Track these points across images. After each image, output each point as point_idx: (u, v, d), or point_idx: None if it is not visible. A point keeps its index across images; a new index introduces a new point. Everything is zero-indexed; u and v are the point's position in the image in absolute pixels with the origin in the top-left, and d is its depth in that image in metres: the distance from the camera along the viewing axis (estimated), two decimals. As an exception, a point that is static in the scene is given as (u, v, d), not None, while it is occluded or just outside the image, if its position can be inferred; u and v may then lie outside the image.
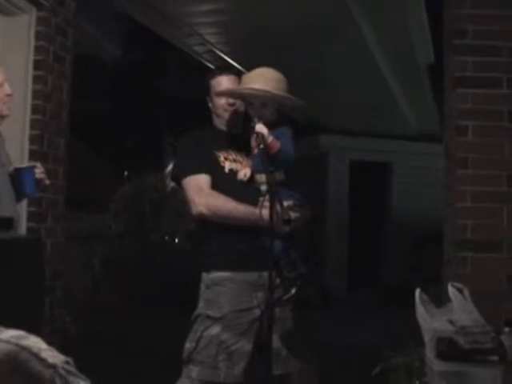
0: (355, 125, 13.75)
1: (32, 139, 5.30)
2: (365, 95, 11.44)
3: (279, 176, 3.68)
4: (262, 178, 3.70)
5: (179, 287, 10.11)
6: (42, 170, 3.96)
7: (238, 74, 4.01)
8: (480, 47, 4.86)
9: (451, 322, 3.72)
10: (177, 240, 13.35)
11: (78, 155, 13.31)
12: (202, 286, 3.81)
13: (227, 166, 3.81)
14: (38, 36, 5.35)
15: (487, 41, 4.86)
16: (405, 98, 12.34)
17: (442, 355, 3.56)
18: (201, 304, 3.77)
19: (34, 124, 5.31)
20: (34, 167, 3.94)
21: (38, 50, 5.35)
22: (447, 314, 3.81)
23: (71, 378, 1.11)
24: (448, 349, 3.56)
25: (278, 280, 3.55)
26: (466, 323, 3.69)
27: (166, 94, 20.04)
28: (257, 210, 3.48)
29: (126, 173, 17.08)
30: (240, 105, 3.91)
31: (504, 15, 4.87)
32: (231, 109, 3.91)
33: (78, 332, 6.17)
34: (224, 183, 3.76)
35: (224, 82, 3.92)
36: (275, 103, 3.77)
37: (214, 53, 9.61)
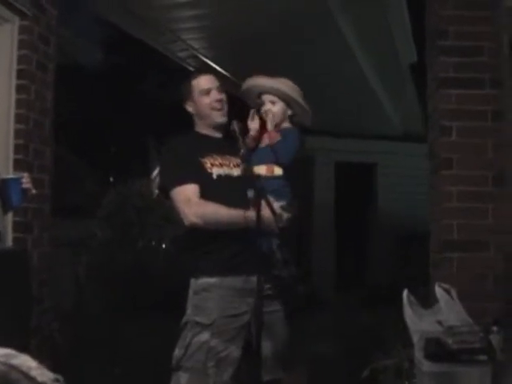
0: (340, 126, 13.77)
1: (16, 149, 5.27)
2: (348, 96, 11.45)
3: (277, 171, 3.70)
4: (258, 169, 3.70)
5: (167, 293, 10.08)
6: (28, 179, 3.93)
7: (217, 75, 4.03)
8: (462, 48, 4.89)
9: (439, 322, 3.73)
10: (164, 246, 13.31)
11: (62, 162, 13.27)
12: (191, 292, 3.79)
13: (215, 171, 3.77)
14: (21, 45, 5.33)
15: (470, 41, 4.90)
16: (388, 99, 12.37)
17: (430, 356, 3.57)
18: (189, 310, 3.76)
19: (18, 133, 5.29)
20: (20, 178, 3.91)
21: (20, 58, 5.33)
22: (435, 315, 3.82)
23: (61, 396, 1.11)
24: (436, 349, 3.57)
25: (267, 285, 3.59)
26: (454, 323, 3.70)
27: (150, 98, 20.00)
28: (249, 213, 3.49)
29: (111, 179, 17.02)
30: (225, 104, 3.93)
31: (486, 16, 4.91)
32: (219, 105, 3.89)
33: (66, 340, 6.14)
34: (214, 190, 3.72)
35: (208, 79, 3.95)
36: (284, 104, 3.79)
37: (198, 58, 9.60)
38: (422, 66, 5.49)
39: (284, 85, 3.77)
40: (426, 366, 3.58)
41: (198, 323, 3.68)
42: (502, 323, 3.86)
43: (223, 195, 3.67)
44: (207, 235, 3.72)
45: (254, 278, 3.56)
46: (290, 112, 3.81)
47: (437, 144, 4.96)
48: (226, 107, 3.94)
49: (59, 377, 1.10)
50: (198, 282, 3.76)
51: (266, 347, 3.69)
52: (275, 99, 3.75)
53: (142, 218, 12.91)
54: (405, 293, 3.90)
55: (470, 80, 4.87)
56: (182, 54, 9.57)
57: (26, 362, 1.10)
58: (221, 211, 3.66)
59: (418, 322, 3.78)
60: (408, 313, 3.84)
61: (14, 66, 5.32)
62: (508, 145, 4.87)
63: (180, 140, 3.96)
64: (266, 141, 3.79)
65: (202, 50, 9.41)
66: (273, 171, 3.69)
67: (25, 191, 3.86)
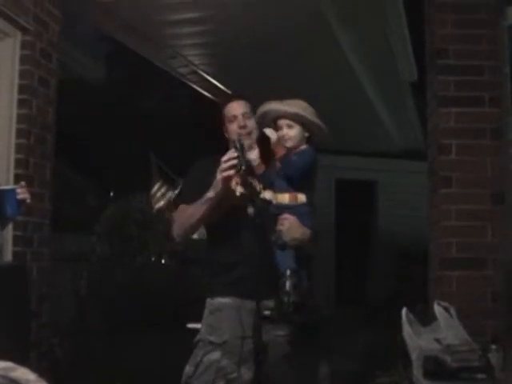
0: (340, 144, 13.78)
1: (17, 163, 5.28)
2: (349, 114, 11.47)
3: (301, 198, 3.69)
4: (282, 197, 3.70)
5: (167, 309, 10.08)
6: (24, 189, 3.89)
7: (248, 100, 4.00)
8: (462, 66, 4.91)
9: (438, 340, 3.74)
10: (163, 261, 13.30)
11: (62, 176, 13.27)
12: (206, 312, 3.82)
13: (238, 189, 3.69)
14: (23, 60, 5.35)
15: (469, 60, 4.92)
16: (389, 116, 12.38)
17: (429, 374, 3.57)
18: (203, 329, 3.78)
19: (19, 148, 5.29)
20: (15, 189, 3.87)
21: (22, 74, 5.34)
22: (434, 333, 3.83)
23: (59, 409, 1.11)
24: (435, 368, 3.57)
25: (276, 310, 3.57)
26: (453, 341, 3.71)
27: (151, 113, 20.04)
28: (208, 193, 3.58)
29: (111, 194, 17.02)
30: (253, 129, 3.90)
31: (485, 35, 4.93)
32: (244, 131, 3.86)
33: (65, 355, 6.13)
34: (236, 206, 3.67)
35: (235, 106, 3.94)
36: (300, 127, 3.76)
37: (199, 74, 9.63)
38: (423, 85, 5.51)
39: (299, 107, 3.76)
40: (424, 384, 3.58)
41: (210, 342, 3.69)
42: (500, 341, 3.86)
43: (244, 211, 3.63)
44: (223, 253, 3.74)
45: (268, 302, 3.57)
46: (306, 134, 3.80)
47: (436, 162, 4.97)
48: (255, 131, 3.91)
49: (58, 390, 1.11)
50: (212, 302, 3.79)
51: (273, 372, 3.67)
52: (292, 123, 3.74)
53: (142, 233, 12.91)
54: (404, 310, 3.91)
55: (470, 98, 4.89)
56: (182, 70, 9.59)
57: (24, 374, 1.11)
58: (187, 210, 3.75)
59: (417, 340, 3.78)
60: (407, 330, 3.84)
61: (16, 81, 5.34)
62: (507, 163, 4.88)
63: (211, 159, 3.88)
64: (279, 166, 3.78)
65: (203, 66, 9.42)
66: (296, 198, 3.68)
67: (20, 202, 3.84)
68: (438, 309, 3.94)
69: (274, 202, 3.68)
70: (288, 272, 3.47)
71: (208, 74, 9.67)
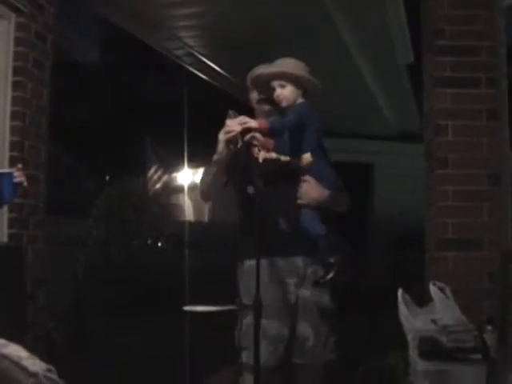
0: (336, 126, 13.76)
1: (12, 145, 5.27)
2: (345, 96, 11.44)
3: (307, 158, 3.72)
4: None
5: (163, 292, 10.10)
6: (20, 173, 3.89)
7: None
8: (458, 47, 4.89)
9: (433, 321, 3.74)
10: (160, 244, 13.31)
11: (58, 160, 13.24)
12: (239, 274, 3.90)
13: (261, 155, 3.79)
14: (18, 42, 5.33)
15: (465, 41, 4.90)
16: (385, 99, 12.36)
17: (424, 354, 3.58)
18: (241, 292, 3.86)
19: (13, 130, 5.29)
20: (12, 172, 3.87)
21: (17, 55, 5.33)
22: (429, 314, 3.83)
23: (53, 386, 1.11)
24: (431, 348, 3.58)
25: (312, 266, 3.73)
26: (449, 322, 3.71)
27: (147, 96, 19.99)
28: (215, 156, 3.82)
29: (107, 177, 17.01)
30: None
31: (482, 15, 4.91)
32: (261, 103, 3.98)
33: (61, 338, 6.13)
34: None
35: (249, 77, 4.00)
36: (293, 85, 3.80)
37: (194, 56, 9.59)
38: (419, 66, 5.49)
39: (286, 66, 3.80)
40: (420, 364, 3.59)
41: (245, 304, 3.72)
42: (496, 322, 3.87)
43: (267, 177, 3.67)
44: (253, 214, 3.77)
45: (298, 260, 3.73)
46: (299, 90, 3.83)
47: (432, 143, 4.96)
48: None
49: (51, 367, 1.11)
50: (243, 265, 3.87)
51: (306, 329, 3.80)
52: (283, 82, 3.78)
53: (139, 216, 12.91)
54: (400, 291, 3.91)
55: (466, 79, 4.88)
56: (178, 52, 9.56)
57: (17, 351, 1.10)
58: (209, 173, 3.93)
59: (413, 321, 3.79)
60: (403, 311, 3.84)
61: (11, 63, 5.32)
62: (503, 144, 4.88)
63: None
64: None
65: (198, 48, 9.40)
66: (303, 160, 3.72)
67: (17, 185, 3.84)
68: (433, 289, 3.94)
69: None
70: (321, 237, 3.64)
71: (203, 56, 9.64)
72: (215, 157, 3.85)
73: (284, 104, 3.80)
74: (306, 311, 3.80)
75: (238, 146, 3.67)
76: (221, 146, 3.77)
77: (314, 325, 3.84)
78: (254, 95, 4.03)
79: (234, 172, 3.87)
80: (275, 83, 3.80)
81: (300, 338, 3.79)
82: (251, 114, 3.99)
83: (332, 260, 3.62)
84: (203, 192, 4.09)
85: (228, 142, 3.71)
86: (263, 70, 3.86)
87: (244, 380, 3.81)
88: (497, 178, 4.80)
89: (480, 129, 4.83)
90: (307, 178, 3.73)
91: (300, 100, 3.81)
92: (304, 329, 3.80)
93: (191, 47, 9.33)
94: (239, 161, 3.77)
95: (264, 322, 3.60)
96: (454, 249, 4.75)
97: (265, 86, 3.88)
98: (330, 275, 3.63)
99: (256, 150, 3.77)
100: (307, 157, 3.72)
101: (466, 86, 4.88)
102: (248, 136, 3.76)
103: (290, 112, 3.75)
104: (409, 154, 13.29)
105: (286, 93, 3.78)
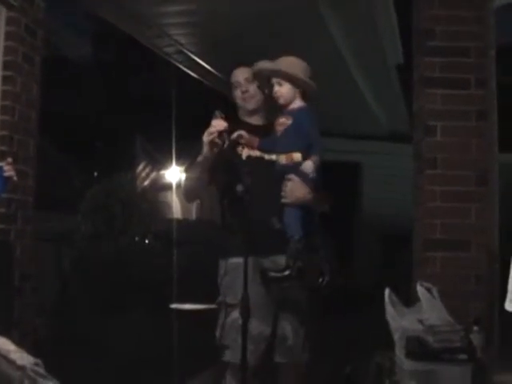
0: (325, 125, 13.74)
1: (1, 140, 5.26)
2: (335, 95, 11.44)
3: (297, 157, 3.75)
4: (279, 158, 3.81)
5: (150, 288, 10.08)
6: (10, 166, 3.89)
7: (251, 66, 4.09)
8: (448, 48, 4.91)
9: (420, 321, 3.75)
10: (147, 241, 13.27)
11: (47, 155, 13.22)
12: (221, 272, 3.94)
13: (244, 153, 3.91)
14: (8, 36, 5.32)
15: (455, 42, 4.92)
16: (374, 98, 12.37)
17: (411, 354, 3.59)
18: (221, 291, 3.92)
19: (3, 125, 5.28)
20: (1, 167, 3.87)
21: (7, 50, 5.31)
22: (416, 314, 3.84)
23: (40, 380, 1.11)
24: (417, 348, 3.59)
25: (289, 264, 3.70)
26: (435, 322, 3.72)
27: (136, 93, 19.97)
28: (200, 157, 3.85)
29: (95, 173, 17.00)
30: (255, 93, 4.06)
31: (471, 16, 4.93)
32: (246, 96, 4.07)
33: (48, 334, 6.13)
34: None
35: (237, 73, 4.13)
36: (290, 84, 3.85)
37: (184, 53, 9.58)
38: (409, 67, 5.50)
39: (285, 65, 3.84)
40: (406, 364, 3.60)
41: (227, 303, 3.81)
42: (483, 323, 3.88)
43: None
44: (233, 212, 3.89)
45: (281, 259, 3.73)
46: (297, 91, 3.87)
47: (421, 144, 4.98)
48: (258, 95, 4.08)
49: (39, 361, 1.11)
50: (226, 263, 3.90)
51: (286, 329, 3.86)
52: (281, 80, 3.82)
53: (126, 212, 12.87)
54: (387, 291, 3.92)
55: (456, 80, 4.90)
56: (168, 50, 9.54)
57: (4, 345, 1.10)
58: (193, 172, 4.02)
59: (400, 321, 3.80)
60: (390, 311, 3.86)
61: (0, 58, 5.31)
62: (491, 145, 4.90)
63: None
64: (279, 128, 3.83)
65: (189, 45, 9.38)
66: (292, 159, 3.72)
67: (7, 179, 3.83)
68: (420, 290, 3.95)
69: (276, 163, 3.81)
70: (296, 238, 3.66)
71: (194, 54, 9.62)
72: (199, 158, 3.89)
73: (281, 101, 3.86)
74: (286, 310, 3.85)
75: (225, 145, 3.71)
76: (205, 148, 3.82)
77: (294, 323, 3.89)
78: (238, 92, 4.10)
79: (219, 171, 3.93)
80: (274, 80, 3.85)
81: (280, 336, 3.84)
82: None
83: (294, 264, 3.64)
84: (187, 193, 4.20)
85: (212, 143, 3.76)
86: (263, 65, 3.91)
87: (226, 380, 3.84)
88: (485, 179, 4.82)
89: (469, 130, 4.85)
90: (292, 176, 3.74)
91: (299, 101, 3.85)
92: (284, 327, 3.86)
93: (182, 45, 9.31)
94: (225, 159, 3.82)
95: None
96: (442, 249, 4.77)
97: (265, 82, 3.94)
98: (285, 273, 3.65)
99: (240, 147, 3.87)
100: (297, 156, 3.74)
101: (455, 87, 4.90)
102: (235, 134, 3.80)
103: (297, 116, 3.79)
104: (398, 154, 13.31)
105: (283, 91, 3.84)
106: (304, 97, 3.89)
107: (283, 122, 3.83)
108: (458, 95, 4.88)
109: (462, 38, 4.91)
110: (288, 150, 3.75)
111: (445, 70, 4.91)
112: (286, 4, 7.51)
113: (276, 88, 3.84)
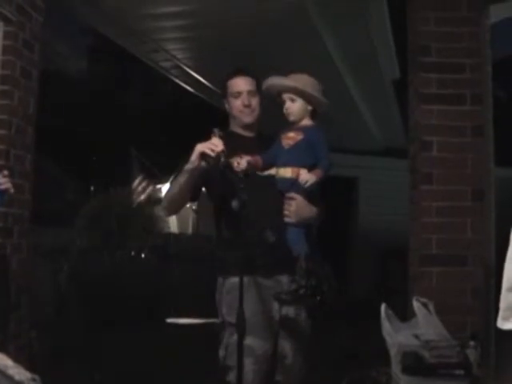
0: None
1: (-2, 154, 5.26)
2: (331, 111, 11.45)
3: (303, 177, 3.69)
4: (284, 171, 3.76)
5: (146, 303, 10.06)
6: (6, 179, 3.87)
7: (255, 77, 4.06)
8: (444, 64, 4.93)
9: (416, 336, 3.74)
10: (143, 255, 13.27)
11: (43, 170, 13.21)
12: (224, 291, 3.85)
13: (240, 166, 3.74)
14: (5, 50, 5.31)
15: (451, 58, 4.93)
16: (371, 114, 12.40)
17: (407, 370, 3.58)
18: (224, 310, 3.83)
19: (-1, 139, 5.28)
20: None
21: (4, 64, 5.31)
22: (412, 329, 3.83)
23: (38, 395, 1.11)
24: (414, 363, 3.58)
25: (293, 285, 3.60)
26: (432, 337, 3.71)
27: (133, 107, 19.99)
28: (188, 165, 3.72)
29: (92, 188, 16.97)
30: (256, 107, 4.00)
31: (468, 32, 4.95)
32: (247, 110, 3.98)
33: (44, 348, 6.11)
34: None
35: (241, 83, 4.01)
36: (303, 100, 3.83)
37: (181, 68, 9.60)
38: (405, 82, 5.52)
39: (299, 82, 3.82)
40: (403, 379, 3.59)
41: (231, 323, 3.69)
42: (479, 338, 3.88)
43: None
44: (234, 230, 3.73)
45: (283, 278, 3.70)
46: (310, 107, 3.85)
47: (417, 159, 4.99)
48: (257, 109, 4.02)
49: (36, 377, 1.11)
50: (227, 282, 3.82)
51: (286, 347, 3.81)
52: (294, 97, 3.79)
53: (122, 227, 12.87)
54: (383, 306, 3.91)
55: (451, 96, 4.91)
56: (165, 64, 9.57)
57: (2, 360, 1.10)
58: (173, 187, 3.93)
59: (396, 336, 3.79)
60: (385, 326, 3.84)
61: (-2, 72, 5.31)
62: (487, 160, 4.91)
63: None
64: (287, 142, 3.80)
65: (185, 60, 9.40)
66: (298, 173, 3.69)
67: (3, 192, 3.82)
68: (416, 305, 3.94)
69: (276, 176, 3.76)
70: (303, 255, 3.56)
71: (190, 69, 9.64)
72: (186, 165, 3.77)
73: (291, 118, 3.81)
74: (287, 329, 3.81)
75: (220, 162, 3.61)
76: (194, 155, 3.68)
77: (293, 341, 3.85)
78: (237, 103, 3.99)
79: (214, 185, 3.85)
80: (285, 96, 3.81)
81: (280, 355, 3.80)
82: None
83: (307, 282, 3.55)
84: (168, 204, 4.05)
85: (203, 154, 3.64)
86: (276, 80, 3.85)
87: None
88: (481, 194, 4.83)
89: (465, 145, 4.87)
90: (293, 195, 3.69)
91: (307, 120, 3.84)
92: (283, 346, 3.81)
93: (178, 59, 9.33)
94: (218, 175, 3.73)
95: (249, 340, 3.60)
96: (438, 264, 4.77)
97: (276, 97, 3.88)
98: (300, 293, 3.56)
99: (235, 162, 3.72)
100: (303, 173, 3.70)
101: (451, 103, 4.91)
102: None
103: (310, 134, 3.80)
104: (394, 169, 13.32)
105: (294, 108, 3.80)
106: (313, 115, 3.86)
107: (293, 136, 3.78)
108: (454, 111, 4.90)
109: (458, 54, 4.93)
110: (295, 164, 3.71)
111: (441, 85, 4.92)
112: (283, 21, 7.54)
113: (288, 104, 3.80)
